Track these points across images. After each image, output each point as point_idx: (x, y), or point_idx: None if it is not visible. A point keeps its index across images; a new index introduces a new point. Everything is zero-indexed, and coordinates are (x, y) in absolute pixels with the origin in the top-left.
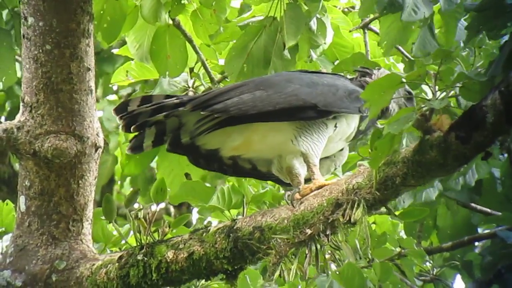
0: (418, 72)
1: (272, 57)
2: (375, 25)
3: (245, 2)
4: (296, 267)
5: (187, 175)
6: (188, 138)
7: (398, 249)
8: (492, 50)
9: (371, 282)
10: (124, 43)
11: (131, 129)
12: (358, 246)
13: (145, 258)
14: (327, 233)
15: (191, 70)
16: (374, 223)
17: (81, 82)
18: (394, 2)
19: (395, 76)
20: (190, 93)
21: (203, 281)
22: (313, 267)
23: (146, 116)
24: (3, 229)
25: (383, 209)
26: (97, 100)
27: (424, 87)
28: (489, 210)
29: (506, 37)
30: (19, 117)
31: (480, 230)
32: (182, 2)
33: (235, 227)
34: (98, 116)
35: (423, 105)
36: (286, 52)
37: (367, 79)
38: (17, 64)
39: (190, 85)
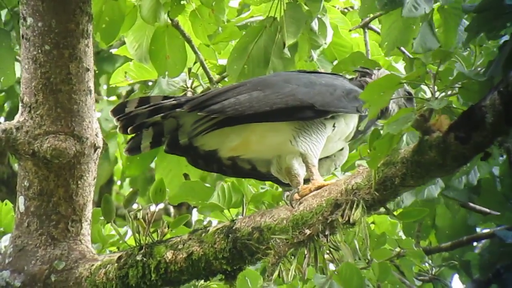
0: (417, 72)
1: (271, 57)
2: (375, 25)
3: (245, 2)
4: (295, 268)
5: (185, 176)
6: (186, 139)
7: (397, 249)
8: (492, 49)
9: (369, 282)
10: (123, 43)
11: (128, 131)
12: (357, 247)
13: (144, 259)
14: (326, 233)
15: (190, 70)
16: (373, 223)
17: (80, 83)
18: None
19: (395, 76)
20: (189, 94)
21: (202, 282)
22: (312, 268)
23: (143, 117)
24: (2, 229)
25: (382, 209)
26: (96, 101)
27: (424, 87)
28: (488, 210)
29: (506, 37)
30: (18, 117)
31: (479, 230)
32: (182, 2)
33: (234, 228)
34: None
35: (422, 105)
36: (286, 50)
37: (367, 79)
38: (17, 65)
39: (189, 85)
